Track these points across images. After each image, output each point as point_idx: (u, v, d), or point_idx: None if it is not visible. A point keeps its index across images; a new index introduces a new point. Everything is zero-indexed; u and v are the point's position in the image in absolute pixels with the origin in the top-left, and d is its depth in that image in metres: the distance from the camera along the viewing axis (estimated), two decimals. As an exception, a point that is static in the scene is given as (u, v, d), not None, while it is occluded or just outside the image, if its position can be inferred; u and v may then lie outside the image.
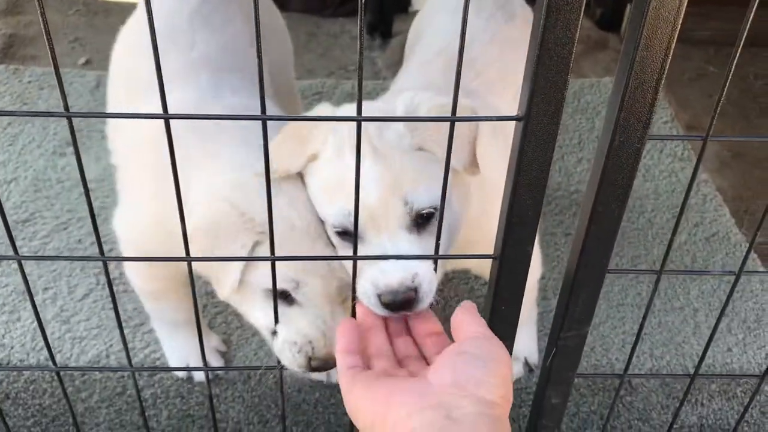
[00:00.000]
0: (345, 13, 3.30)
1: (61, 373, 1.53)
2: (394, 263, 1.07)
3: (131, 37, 1.57)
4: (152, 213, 1.24)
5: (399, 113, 1.13)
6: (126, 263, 1.46)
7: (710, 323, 1.75)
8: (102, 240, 1.95)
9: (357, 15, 3.38)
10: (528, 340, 1.63)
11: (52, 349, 1.58)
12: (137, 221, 1.32)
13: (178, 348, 1.56)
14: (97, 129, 2.23)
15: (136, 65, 1.46)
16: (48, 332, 1.63)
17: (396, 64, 2.46)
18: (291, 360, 1.18)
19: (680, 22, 0.81)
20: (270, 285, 1.07)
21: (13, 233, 1.90)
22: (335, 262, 1.15)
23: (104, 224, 1.89)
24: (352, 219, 1.00)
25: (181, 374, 1.56)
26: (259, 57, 0.80)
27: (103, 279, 1.75)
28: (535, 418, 1.27)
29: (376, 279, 1.05)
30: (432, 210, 1.08)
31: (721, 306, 1.77)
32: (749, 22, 0.87)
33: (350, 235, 1.07)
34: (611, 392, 1.64)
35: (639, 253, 1.95)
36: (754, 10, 0.85)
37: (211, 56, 1.43)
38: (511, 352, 1.11)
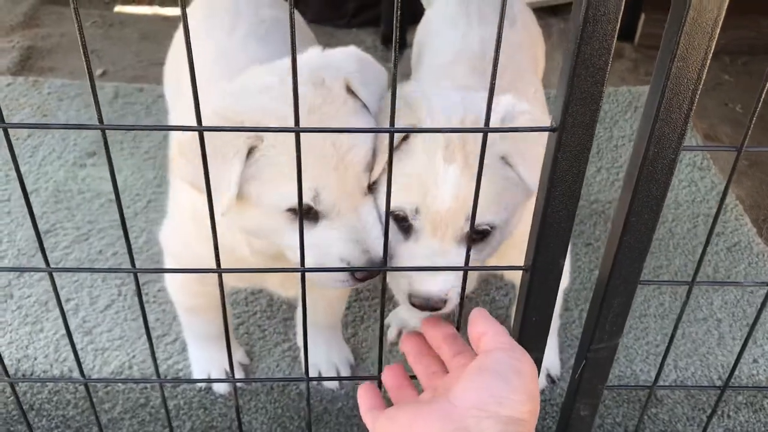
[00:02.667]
0: (359, 24, 3.31)
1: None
2: (435, 273, 1.08)
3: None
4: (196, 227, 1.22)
5: (497, 116, 1.10)
6: (168, 280, 1.46)
7: (734, 334, 1.73)
8: (120, 252, 1.95)
9: (370, 26, 3.37)
10: (550, 352, 1.62)
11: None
12: (182, 235, 1.31)
13: (203, 359, 1.56)
14: (117, 140, 2.24)
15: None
16: (71, 343, 1.64)
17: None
18: (330, 280, 1.12)
19: (717, 32, 0.81)
20: (291, 203, 1.04)
21: (36, 244, 1.91)
22: (344, 149, 1.06)
23: (125, 235, 1.90)
24: (416, 215, 1.06)
25: (202, 383, 1.56)
26: (294, 68, 0.80)
27: (124, 290, 1.75)
28: (563, 430, 1.26)
29: (413, 280, 1.08)
30: (488, 227, 1.09)
31: (745, 316, 1.77)
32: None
33: (406, 221, 1.09)
34: (636, 404, 1.63)
35: (661, 263, 1.94)
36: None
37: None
38: (540, 364, 1.11)
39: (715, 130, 2.86)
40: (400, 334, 1.68)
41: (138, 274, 0.99)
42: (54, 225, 1.95)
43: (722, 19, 0.80)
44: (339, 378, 1.29)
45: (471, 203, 1.05)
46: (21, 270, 1.79)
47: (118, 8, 3.51)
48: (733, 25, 3.17)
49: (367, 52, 3.47)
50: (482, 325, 0.91)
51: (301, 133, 0.84)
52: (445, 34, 1.66)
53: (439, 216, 1.06)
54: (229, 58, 1.42)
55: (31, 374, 1.56)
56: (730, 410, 1.63)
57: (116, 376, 1.57)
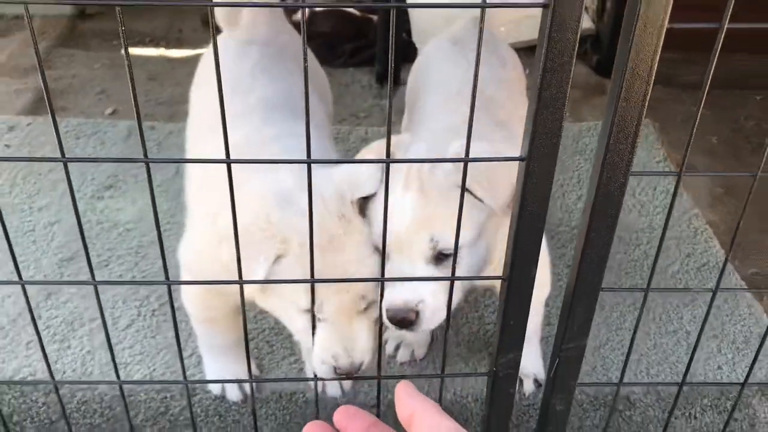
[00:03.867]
0: (355, 64, 3.51)
1: (110, 395, 1.69)
2: (404, 287, 1.26)
3: (200, 86, 1.80)
4: (213, 243, 1.37)
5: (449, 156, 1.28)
6: (184, 293, 1.62)
7: (701, 344, 1.89)
8: (138, 277, 2.10)
9: (366, 65, 3.57)
10: (535, 360, 1.79)
11: (101, 374, 1.74)
12: (199, 250, 1.47)
13: (217, 370, 1.71)
14: (132, 174, 2.41)
15: (203, 111, 1.67)
16: (96, 358, 1.79)
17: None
18: (320, 370, 1.38)
19: (653, 78, 0.99)
20: (301, 304, 1.27)
21: (60, 270, 2.07)
22: (350, 275, 1.29)
23: (143, 261, 2.07)
24: (381, 240, 1.19)
25: (216, 392, 1.72)
26: (307, 104, 0.97)
27: (143, 311, 1.91)
28: (542, 425, 1.42)
29: (385, 295, 1.27)
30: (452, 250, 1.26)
31: (711, 328, 1.94)
32: (713, 67, 1.04)
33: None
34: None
35: (636, 282, 2.11)
36: (715, 59, 1.02)
37: (267, 98, 1.61)
38: (519, 363, 1.27)
39: (690, 160, 3.04)
40: (397, 348, 1.84)
41: (166, 287, 1.17)
42: (76, 252, 2.11)
43: (656, 67, 0.98)
44: (343, 378, 1.44)
45: (431, 226, 1.23)
46: (65, 283, 1.96)
47: (127, 50, 3.71)
48: (707, 61, 3.40)
49: (363, 90, 3.65)
50: (411, 405, 0.77)
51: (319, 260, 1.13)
52: (443, 73, 1.84)
53: (401, 238, 1.25)
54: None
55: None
56: (697, 412, 1.78)
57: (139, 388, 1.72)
